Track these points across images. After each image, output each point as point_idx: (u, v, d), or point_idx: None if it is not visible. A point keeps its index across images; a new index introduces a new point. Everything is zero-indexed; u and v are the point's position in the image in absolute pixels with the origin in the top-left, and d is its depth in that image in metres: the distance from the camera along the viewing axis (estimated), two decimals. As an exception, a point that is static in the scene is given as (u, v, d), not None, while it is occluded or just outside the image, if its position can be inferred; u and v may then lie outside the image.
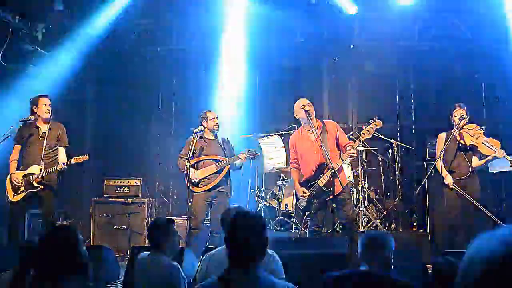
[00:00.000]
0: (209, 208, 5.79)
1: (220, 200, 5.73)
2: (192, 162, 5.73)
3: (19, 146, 5.57)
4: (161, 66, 8.24)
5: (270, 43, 7.74)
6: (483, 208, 5.15)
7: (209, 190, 5.69)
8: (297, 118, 5.23)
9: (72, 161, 5.49)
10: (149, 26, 7.95)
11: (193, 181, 5.63)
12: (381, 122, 4.92)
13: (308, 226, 5.35)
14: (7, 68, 6.52)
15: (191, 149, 5.57)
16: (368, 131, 4.87)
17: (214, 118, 5.82)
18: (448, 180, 5.26)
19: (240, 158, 5.73)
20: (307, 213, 5.11)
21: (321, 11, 7.39)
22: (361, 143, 5.05)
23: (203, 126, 5.82)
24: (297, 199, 5.20)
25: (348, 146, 4.96)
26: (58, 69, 7.01)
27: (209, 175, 5.69)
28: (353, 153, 4.94)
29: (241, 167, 5.98)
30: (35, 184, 5.42)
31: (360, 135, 4.92)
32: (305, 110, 5.03)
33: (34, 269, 2.43)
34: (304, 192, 5.02)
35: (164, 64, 8.23)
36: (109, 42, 7.60)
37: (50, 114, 5.58)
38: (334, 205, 5.07)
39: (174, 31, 8.01)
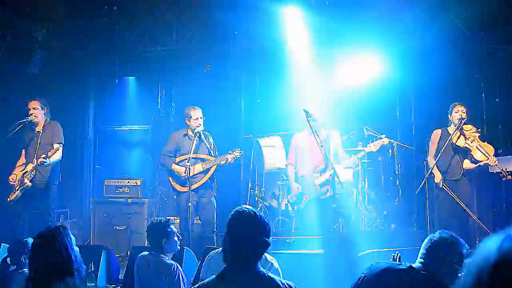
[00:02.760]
0: (197, 208, 5.67)
1: (207, 199, 5.68)
2: (177, 160, 5.68)
3: (24, 150, 5.68)
4: (161, 66, 8.24)
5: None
6: (469, 211, 5.16)
7: (194, 190, 5.58)
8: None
9: (49, 154, 5.41)
10: (149, 25, 7.94)
11: (183, 178, 5.49)
12: (388, 140, 5.20)
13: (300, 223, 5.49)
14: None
15: (191, 148, 5.51)
16: (374, 145, 5.24)
17: (198, 118, 5.60)
18: (438, 178, 5.27)
19: (227, 158, 5.60)
20: (296, 207, 5.22)
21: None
22: (366, 154, 5.47)
23: (186, 124, 5.69)
24: (288, 193, 5.35)
25: (351, 157, 5.18)
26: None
27: (195, 175, 5.60)
28: (356, 162, 5.20)
29: (225, 165, 5.83)
30: (25, 181, 5.47)
31: (367, 147, 5.20)
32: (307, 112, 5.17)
33: (28, 269, 2.45)
34: (298, 188, 5.13)
35: (165, 64, 8.22)
36: (109, 41, 7.60)
37: (38, 117, 5.59)
38: (334, 205, 5.17)
39: (174, 31, 8.00)
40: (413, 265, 2.46)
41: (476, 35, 7.20)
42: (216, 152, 5.78)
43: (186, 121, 5.69)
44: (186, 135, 5.69)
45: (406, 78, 7.94)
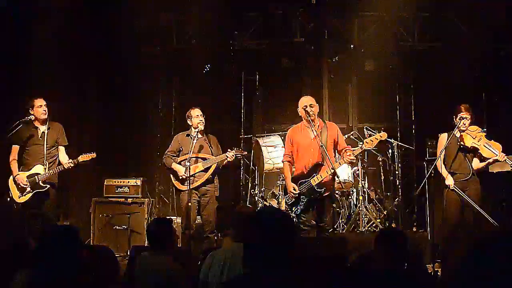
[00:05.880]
0: (198, 207, 5.73)
1: (208, 199, 5.73)
2: (179, 160, 5.75)
3: (17, 147, 5.58)
4: (161, 66, 8.23)
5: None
6: (481, 210, 5.16)
7: (195, 188, 5.65)
8: (300, 115, 5.26)
9: (80, 159, 5.52)
10: (149, 26, 7.93)
11: (180, 177, 5.60)
12: (386, 134, 5.13)
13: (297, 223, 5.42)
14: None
15: (191, 148, 5.57)
16: (372, 141, 5.05)
17: (198, 115, 5.76)
18: (449, 181, 5.28)
19: (227, 156, 5.69)
20: (294, 209, 5.12)
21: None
22: (363, 150, 5.21)
23: (188, 124, 5.83)
24: (285, 194, 5.25)
25: (347, 152, 5.01)
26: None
27: (195, 173, 5.66)
28: (353, 159, 5.07)
29: (228, 165, 5.94)
30: (41, 184, 5.46)
31: (363, 143, 5.05)
32: (305, 111, 5.07)
33: (29, 269, 2.43)
34: (294, 189, 5.04)
35: (165, 64, 8.22)
36: (109, 42, 7.59)
37: (46, 114, 5.58)
38: (334, 204, 5.13)
39: (174, 31, 8.00)
40: None
41: (476, 35, 7.21)
42: (220, 152, 5.85)
43: (188, 121, 5.84)
44: (188, 135, 5.80)
45: (406, 77, 7.95)
